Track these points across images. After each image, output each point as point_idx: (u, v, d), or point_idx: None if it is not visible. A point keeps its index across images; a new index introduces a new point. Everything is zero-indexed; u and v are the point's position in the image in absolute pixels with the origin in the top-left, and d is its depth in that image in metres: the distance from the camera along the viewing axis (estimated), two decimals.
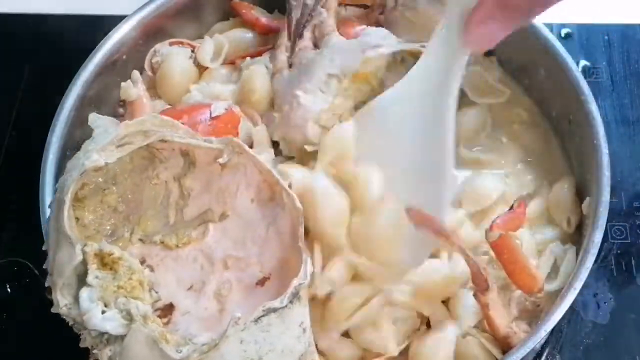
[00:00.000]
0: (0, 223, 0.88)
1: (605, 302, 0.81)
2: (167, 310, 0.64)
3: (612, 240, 0.84)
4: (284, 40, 0.80)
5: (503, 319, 0.68)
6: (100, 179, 0.66)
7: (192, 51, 0.84)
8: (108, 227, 0.67)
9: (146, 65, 0.84)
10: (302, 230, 0.65)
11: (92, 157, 0.62)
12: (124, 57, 0.82)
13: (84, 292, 0.61)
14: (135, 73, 0.82)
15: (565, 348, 0.79)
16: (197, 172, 0.69)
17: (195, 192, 0.69)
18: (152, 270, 0.67)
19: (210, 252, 0.69)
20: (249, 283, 0.67)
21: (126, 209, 0.68)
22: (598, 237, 0.69)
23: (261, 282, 0.67)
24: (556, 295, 0.69)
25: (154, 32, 0.84)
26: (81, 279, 0.62)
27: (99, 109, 0.80)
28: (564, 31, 0.98)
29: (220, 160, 0.67)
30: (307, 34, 0.79)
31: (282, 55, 0.79)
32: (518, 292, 0.71)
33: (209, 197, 0.69)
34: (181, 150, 0.68)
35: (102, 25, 0.86)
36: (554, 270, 0.74)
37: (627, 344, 0.79)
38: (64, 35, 1.00)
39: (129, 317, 0.60)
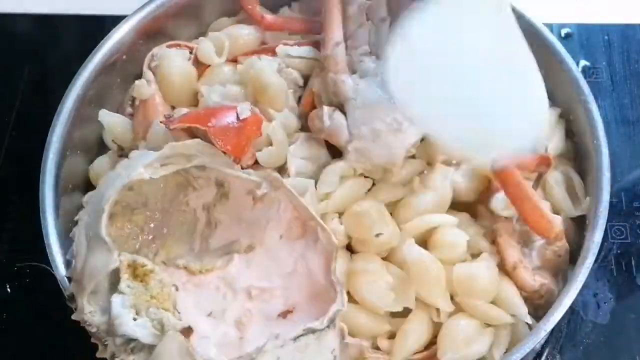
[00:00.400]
0: (0, 223, 0.88)
1: (605, 302, 0.81)
2: (185, 333, 0.64)
3: (612, 240, 0.84)
4: (336, 36, 0.75)
5: (514, 249, 0.70)
6: (131, 199, 0.66)
7: (190, 52, 0.84)
8: (132, 245, 0.67)
9: (145, 70, 0.84)
10: (334, 264, 0.66)
11: (138, 170, 0.64)
12: (124, 57, 0.82)
13: (117, 298, 0.61)
14: (148, 72, 0.82)
15: (565, 348, 0.79)
16: (229, 204, 0.69)
17: (223, 224, 0.70)
18: (177, 289, 0.67)
19: (233, 281, 0.68)
20: (271, 314, 0.67)
21: (152, 231, 0.68)
22: (598, 237, 0.69)
23: (283, 314, 0.67)
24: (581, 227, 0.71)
25: (154, 32, 0.84)
26: (112, 287, 0.62)
27: (99, 109, 0.80)
28: (564, 31, 0.98)
29: (258, 193, 0.67)
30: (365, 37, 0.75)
31: (342, 55, 0.74)
32: (539, 242, 0.72)
33: (237, 229, 0.69)
34: (216, 181, 0.68)
35: (102, 25, 0.86)
36: (575, 198, 0.75)
37: (627, 344, 0.79)
38: (64, 35, 1.00)
39: (160, 327, 0.61)
